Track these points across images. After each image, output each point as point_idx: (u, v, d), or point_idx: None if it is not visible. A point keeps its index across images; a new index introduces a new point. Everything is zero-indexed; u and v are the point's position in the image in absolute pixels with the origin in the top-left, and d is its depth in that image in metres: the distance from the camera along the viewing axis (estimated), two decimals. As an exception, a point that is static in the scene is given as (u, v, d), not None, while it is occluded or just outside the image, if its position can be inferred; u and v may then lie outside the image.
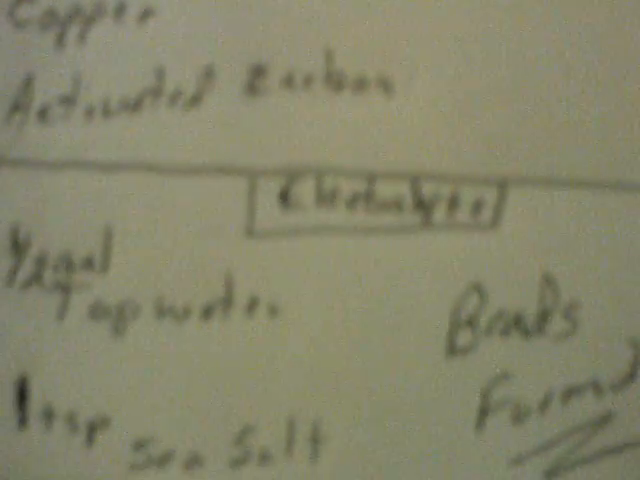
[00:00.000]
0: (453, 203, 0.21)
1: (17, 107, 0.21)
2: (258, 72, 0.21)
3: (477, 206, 0.21)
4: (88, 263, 0.21)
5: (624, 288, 0.21)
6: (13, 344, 0.22)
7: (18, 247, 0.21)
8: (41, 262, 0.21)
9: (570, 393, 0.22)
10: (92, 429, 0.22)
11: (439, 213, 0.21)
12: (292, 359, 0.22)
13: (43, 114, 0.21)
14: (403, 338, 0.21)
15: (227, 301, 0.21)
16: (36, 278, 0.21)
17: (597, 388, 0.22)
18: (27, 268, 0.22)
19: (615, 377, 0.22)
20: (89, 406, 0.22)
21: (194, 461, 0.22)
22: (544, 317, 0.21)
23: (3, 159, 0.21)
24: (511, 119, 0.21)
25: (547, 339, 0.21)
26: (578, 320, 0.21)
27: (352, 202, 0.21)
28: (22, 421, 0.22)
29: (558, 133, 0.21)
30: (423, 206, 0.21)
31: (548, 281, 0.21)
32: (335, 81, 0.21)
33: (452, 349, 0.21)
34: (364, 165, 0.21)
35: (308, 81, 0.21)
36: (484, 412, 0.22)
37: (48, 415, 0.22)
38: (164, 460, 0.22)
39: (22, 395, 0.22)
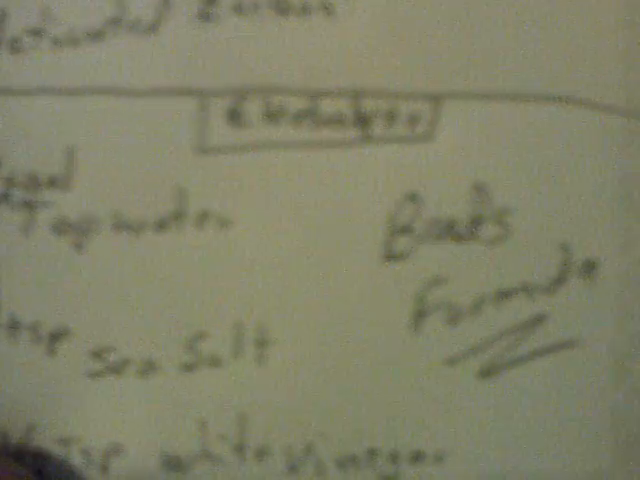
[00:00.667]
0: (391, 118, 0.22)
1: None
2: (210, 0, 0.23)
3: (413, 120, 0.22)
4: (52, 182, 0.23)
5: (554, 195, 0.23)
6: (-19, 258, 0.23)
7: None
8: (9, 182, 0.23)
9: (502, 296, 0.23)
10: (54, 339, 0.23)
11: (378, 127, 0.23)
12: (240, 268, 0.23)
13: (14, 45, 0.23)
14: (343, 245, 0.23)
15: (180, 214, 0.23)
16: (4, 197, 0.23)
17: (529, 291, 0.23)
18: None
19: (546, 280, 0.23)
20: (51, 317, 0.23)
21: (149, 367, 0.23)
22: (476, 223, 0.23)
23: None
24: (444, 38, 0.22)
25: (479, 244, 0.23)
26: (510, 226, 0.23)
27: (297, 119, 0.23)
28: (-11, 321, 0.23)
29: (488, 51, 0.22)
30: (363, 121, 0.23)
31: (480, 189, 0.23)
32: (281, 7, 0.22)
33: (389, 255, 0.23)
34: (308, 84, 0.22)
35: (256, 7, 0.22)
36: (420, 314, 0.23)
37: (13, 326, 0.23)
38: (121, 367, 0.23)
39: (-11, 307, 0.23)
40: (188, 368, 0.23)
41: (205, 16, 0.22)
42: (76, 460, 0.23)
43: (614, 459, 0.23)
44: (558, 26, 0.22)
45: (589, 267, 0.23)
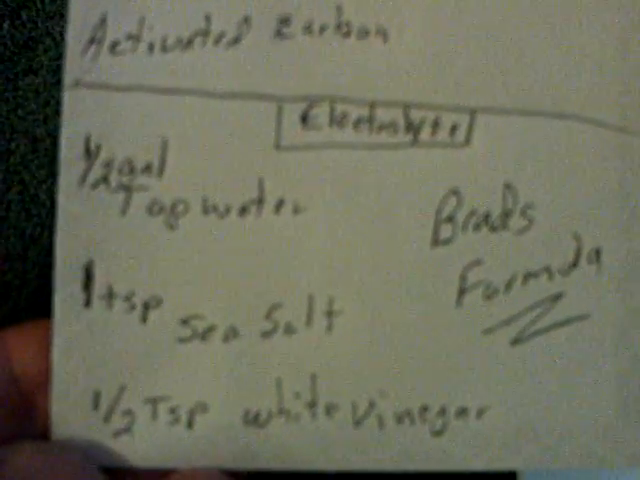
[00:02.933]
0: (435, 126, 0.27)
1: (92, 40, 0.26)
2: (284, 21, 0.27)
3: (453, 129, 0.27)
4: (147, 169, 0.26)
5: (567, 194, 0.27)
6: (83, 236, 0.26)
7: (89, 154, 0.26)
8: (108, 167, 0.26)
9: (529, 277, 0.27)
10: (146, 308, 0.26)
11: (424, 134, 0.27)
12: (311, 248, 0.27)
13: (113, 47, 0.26)
14: (398, 232, 0.27)
15: (260, 201, 0.27)
16: (103, 180, 0.26)
17: (549, 273, 0.27)
18: (96, 171, 0.26)
19: (563, 264, 0.27)
20: (144, 288, 0.26)
21: (231, 334, 0.26)
22: (506, 216, 0.27)
23: (80, 82, 0.26)
24: (480, 60, 0.27)
25: (509, 233, 0.27)
26: (533, 219, 0.27)
27: (357, 124, 0.27)
28: (87, 301, 0.26)
29: (518, 72, 0.27)
30: (412, 128, 0.27)
31: (509, 188, 0.27)
32: (343, 30, 0.27)
33: (436, 241, 0.27)
34: (366, 96, 0.27)
35: (322, 29, 0.26)
36: (462, 291, 0.27)
37: (109, 296, 0.26)
38: (206, 333, 0.26)
39: (88, 279, 0.26)
40: (266, 335, 0.26)
41: (280, 34, 0.26)
42: (163, 418, 0.26)
43: (617, 416, 0.27)
44: (565, 52, 0.27)
45: (596, 254, 0.27)
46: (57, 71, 0.28)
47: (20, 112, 0.29)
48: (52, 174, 0.28)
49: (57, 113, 0.28)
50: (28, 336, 0.26)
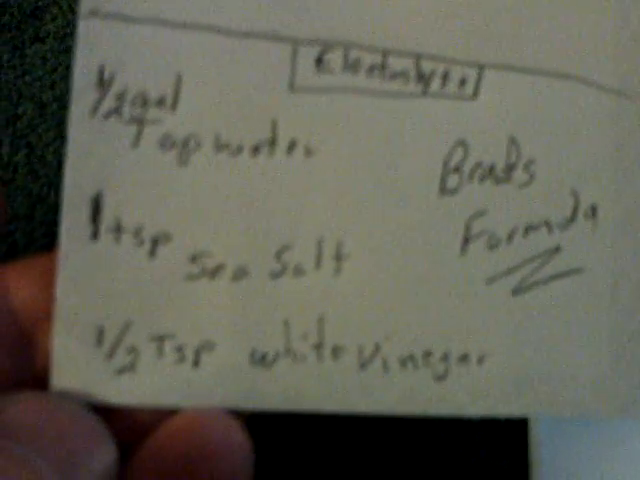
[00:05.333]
0: (445, 78, 0.27)
1: None
2: None
3: (462, 82, 0.27)
4: (160, 102, 0.26)
5: (567, 151, 0.28)
6: (92, 167, 0.26)
7: (102, 84, 0.26)
8: (121, 98, 0.26)
9: (529, 229, 0.28)
10: (155, 243, 0.26)
11: (434, 85, 0.27)
12: (322, 192, 0.27)
13: None
14: (407, 180, 0.27)
15: (272, 141, 0.26)
16: (116, 111, 0.26)
17: (549, 226, 0.28)
18: (109, 102, 0.26)
19: (561, 219, 0.28)
20: (153, 223, 0.26)
21: (240, 273, 0.26)
22: (510, 169, 0.28)
23: (96, 12, 0.26)
24: (490, 18, 0.27)
25: (512, 186, 0.28)
26: (534, 174, 0.28)
27: (370, 71, 0.27)
28: (95, 234, 0.26)
29: (526, 32, 0.27)
30: (423, 79, 0.27)
31: (513, 142, 0.28)
32: None
33: (443, 190, 0.27)
34: (380, 44, 0.27)
35: None
36: (466, 241, 0.27)
37: (117, 229, 0.26)
38: (215, 272, 0.26)
39: (96, 211, 0.26)
40: (275, 276, 0.26)
41: None
42: (169, 356, 0.26)
43: (610, 368, 0.28)
44: (569, 17, 0.28)
45: (593, 210, 0.28)
46: (64, 39, 0.29)
47: (27, 78, 0.30)
48: (58, 137, 0.29)
49: (63, 79, 0.28)
50: (28, 271, 0.25)
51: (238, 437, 0.25)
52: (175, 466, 0.24)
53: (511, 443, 0.32)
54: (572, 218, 0.28)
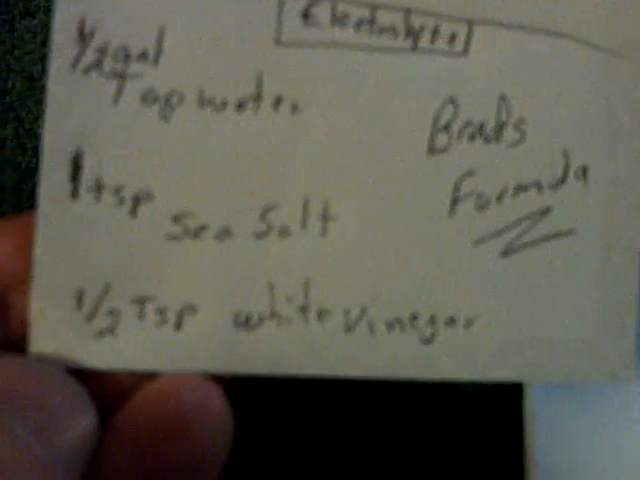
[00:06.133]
0: (435, 34, 0.26)
1: None
2: None
3: (452, 38, 0.27)
4: (143, 56, 0.25)
5: (558, 111, 0.27)
6: (72, 123, 0.25)
7: (83, 38, 0.25)
8: (102, 52, 0.25)
9: (519, 189, 0.27)
10: (136, 202, 0.25)
11: (424, 41, 0.26)
12: (308, 149, 0.26)
13: None
14: (395, 139, 0.26)
15: (257, 97, 0.26)
16: (96, 65, 0.25)
17: (539, 187, 0.27)
18: (89, 56, 0.25)
19: (552, 179, 0.27)
20: (135, 181, 0.25)
21: (224, 233, 0.26)
22: (500, 128, 0.27)
23: None
24: None
25: (502, 145, 0.27)
26: (525, 133, 0.27)
27: (358, 25, 0.26)
28: (74, 193, 0.25)
29: None
30: (412, 34, 0.26)
31: (504, 100, 0.27)
32: None
33: (432, 149, 0.27)
34: None
35: None
36: (455, 201, 0.27)
37: (98, 188, 0.25)
38: (199, 232, 0.25)
39: (76, 169, 0.25)
40: (260, 236, 0.25)
41: None
42: (150, 318, 0.25)
43: (598, 333, 0.28)
44: None
45: (584, 171, 0.27)
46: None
47: (17, 52, 0.30)
48: (48, 110, 0.28)
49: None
50: (4, 232, 0.25)
51: (217, 403, 0.24)
52: (153, 431, 0.24)
53: (505, 417, 0.31)
54: (563, 179, 0.27)
